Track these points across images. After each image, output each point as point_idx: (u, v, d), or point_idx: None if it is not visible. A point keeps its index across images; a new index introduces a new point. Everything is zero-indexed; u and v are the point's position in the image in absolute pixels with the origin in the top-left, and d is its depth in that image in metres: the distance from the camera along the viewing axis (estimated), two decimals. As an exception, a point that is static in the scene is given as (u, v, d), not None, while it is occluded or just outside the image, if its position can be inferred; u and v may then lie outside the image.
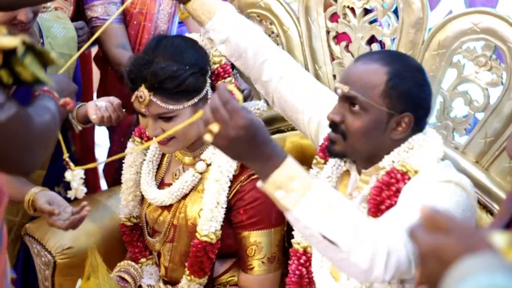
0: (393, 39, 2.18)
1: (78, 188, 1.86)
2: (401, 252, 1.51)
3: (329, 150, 1.80)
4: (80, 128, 2.44)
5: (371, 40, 2.26)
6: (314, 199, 1.43)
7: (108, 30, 2.76)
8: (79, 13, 2.91)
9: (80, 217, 2.17)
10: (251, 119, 1.36)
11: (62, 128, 2.60)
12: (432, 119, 2.12)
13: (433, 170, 1.69)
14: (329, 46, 2.34)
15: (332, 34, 2.32)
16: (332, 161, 1.90)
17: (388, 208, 1.68)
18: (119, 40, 2.79)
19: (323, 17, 2.32)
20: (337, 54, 2.32)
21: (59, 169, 2.67)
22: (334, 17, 2.32)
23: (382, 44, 2.24)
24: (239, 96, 1.39)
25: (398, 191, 1.68)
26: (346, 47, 2.30)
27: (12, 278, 1.60)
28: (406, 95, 1.70)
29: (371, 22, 2.23)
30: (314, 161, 2.00)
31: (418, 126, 1.74)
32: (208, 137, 1.38)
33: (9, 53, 1.24)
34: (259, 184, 1.44)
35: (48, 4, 2.67)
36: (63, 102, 1.61)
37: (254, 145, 1.38)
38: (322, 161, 1.96)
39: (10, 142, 1.27)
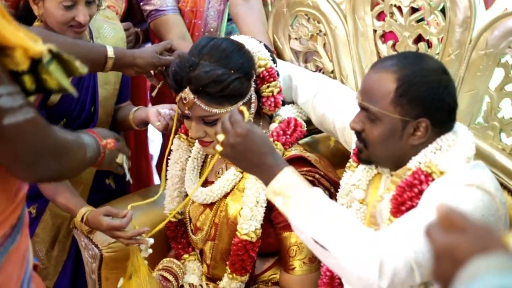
0: (440, 38, 2.14)
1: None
2: (398, 260, 1.52)
3: (358, 158, 1.83)
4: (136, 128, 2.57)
5: (418, 39, 2.22)
6: (307, 206, 1.57)
7: (166, 22, 2.82)
8: (130, 11, 2.97)
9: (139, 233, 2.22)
10: (249, 129, 1.58)
11: (112, 128, 2.68)
12: (478, 119, 2.08)
13: (457, 173, 1.65)
14: (376, 45, 2.31)
15: (379, 33, 2.30)
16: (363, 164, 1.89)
17: (408, 209, 1.66)
18: (180, 30, 2.83)
19: (370, 16, 2.30)
20: (384, 53, 2.29)
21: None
22: (381, 16, 2.29)
23: (429, 43, 2.20)
24: (246, 114, 1.66)
25: (420, 192, 1.66)
26: (393, 46, 2.27)
27: (35, 265, 1.63)
28: (418, 100, 1.66)
29: (418, 21, 2.20)
30: (348, 164, 2.00)
31: (441, 128, 1.70)
32: (218, 147, 1.61)
33: (37, 60, 1.26)
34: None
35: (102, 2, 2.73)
36: (105, 142, 1.75)
37: (255, 154, 1.59)
38: (355, 164, 1.95)
39: (23, 143, 1.30)
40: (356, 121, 1.76)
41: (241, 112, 1.66)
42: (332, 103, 2.19)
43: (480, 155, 1.91)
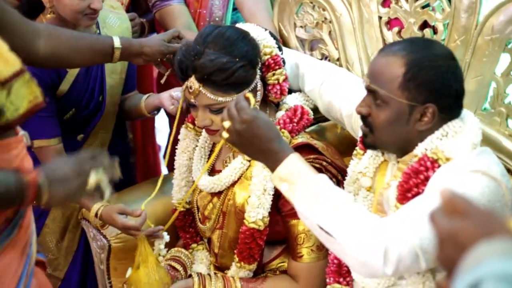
0: (446, 24, 2.13)
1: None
2: (403, 247, 1.52)
3: (363, 143, 1.82)
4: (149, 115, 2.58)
5: (424, 25, 2.21)
6: (312, 192, 1.59)
7: (172, 12, 2.82)
8: (135, 1, 2.97)
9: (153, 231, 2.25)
10: (255, 115, 1.59)
11: (118, 118, 2.69)
12: (485, 105, 2.07)
13: (463, 159, 1.65)
14: (381, 31, 2.31)
15: (384, 19, 2.29)
16: (369, 152, 1.90)
17: (414, 196, 1.66)
18: (185, 20, 2.82)
19: (375, 3, 2.29)
20: (389, 40, 2.28)
21: (117, 153, 2.74)
22: (386, 3, 2.29)
23: (434, 29, 2.19)
24: (252, 101, 1.67)
25: (427, 179, 1.66)
26: (399, 32, 2.26)
27: (41, 261, 1.63)
28: (426, 85, 1.65)
29: (423, 7, 2.19)
30: (354, 152, 2.00)
31: (447, 114, 1.69)
32: (224, 134, 1.63)
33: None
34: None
35: None
36: (32, 175, 1.53)
37: (261, 140, 1.60)
38: (362, 152, 1.95)
39: None
40: (362, 105, 1.76)
41: (247, 99, 1.67)
42: (339, 90, 2.18)
43: (486, 141, 1.90)
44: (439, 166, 1.66)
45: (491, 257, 0.83)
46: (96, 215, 2.32)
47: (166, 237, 2.28)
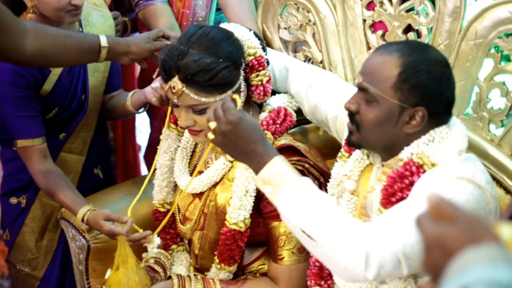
0: (430, 28, 2.14)
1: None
2: (385, 252, 1.52)
3: (348, 141, 1.81)
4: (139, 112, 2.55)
5: (408, 29, 2.22)
6: (296, 196, 1.58)
7: (154, 12, 2.80)
8: (118, 0, 2.95)
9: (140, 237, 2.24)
10: (241, 117, 1.59)
11: (100, 116, 2.67)
12: (468, 110, 2.08)
13: (448, 165, 1.64)
14: (365, 34, 2.31)
15: (369, 22, 2.29)
16: (355, 154, 1.89)
17: (398, 200, 1.66)
18: (168, 20, 2.80)
19: (359, 5, 2.29)
20: (373, 43, 2.29)
21: (98, 152, 2.74)
22: (370, 6, 2.29)
23: (418, 33, 2.19)
24: (239, 102, 1.66)
25: (411, 184, 1.65)
26: (383, 36, 2.26)
27: None
28: (419, 88, 1.65)
29: (407, 11, 2.19)
30: (339, 154, 1.99)
31: (436, 120, 1.69)
32: (210, 135, 1.63)
33: None
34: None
35: None
36: None
37: (245, 142, 1.60)
38: (347, 154, 1.94)
39: None
40: (352, 102, 1.74)
41: (234, 100, 1.66)
42: (326, 93, 2.18)
43: (469, 146, 1.90)
44: (424, 171, 1.65)
45: (478, 263, 0.83)
46: (82, 219, 2.30)
47: (157, 240, 2.26)
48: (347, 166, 1.90)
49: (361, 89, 1.72)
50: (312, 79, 2.24)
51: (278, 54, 2.35)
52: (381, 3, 2.24)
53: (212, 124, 1.63)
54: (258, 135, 1.62)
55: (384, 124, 1.69)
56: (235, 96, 1.69)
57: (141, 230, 2.24)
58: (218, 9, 2.89)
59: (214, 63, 1.97)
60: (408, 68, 1.65)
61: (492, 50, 2.00)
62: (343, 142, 1.98)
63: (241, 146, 1.61)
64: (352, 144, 1.80)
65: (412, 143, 1.70)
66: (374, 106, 1.69)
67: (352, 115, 1.75)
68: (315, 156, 2.16)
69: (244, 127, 1.60)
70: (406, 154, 1.70)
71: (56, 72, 2.45)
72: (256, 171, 1.62)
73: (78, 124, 2.58)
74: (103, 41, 2.16)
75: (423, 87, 1.65)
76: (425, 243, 0.94)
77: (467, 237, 0.88)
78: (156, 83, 2.29)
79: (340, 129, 2.07)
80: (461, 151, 1.68)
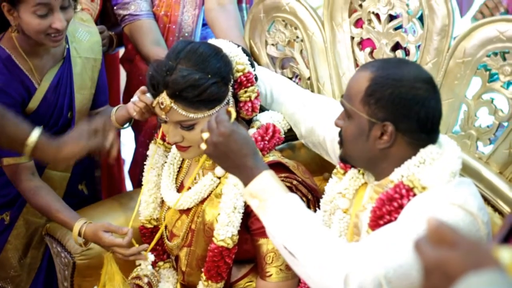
0: (418, 46, 2.15)
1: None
2: (366, 274, 1.51)
3: (339, 156, 1.82)
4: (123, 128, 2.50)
5: (396, 46, 2.23)
6: (281, 211, 1.59)
7: (140, 27, 2.80)
8: (104, 14, 2.93)
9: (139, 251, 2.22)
10: (233, 129, 1.61)
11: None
12: (456, 128, 2.08)
13: (440, 190, 1.62)
14: (353, 52, 2.31)
15: (357, 40, 2.30)
16: (350, 173, 1.89)
17: (386, 223, 1.65)
18: (154, 36, 2.81)
19: (348, 23, 2.30)
20: (361, 61, 2.29)
21: (83, 168, 2.71)
22: (359, 23, 2.29)
23: (406, 51, 2.20)
24: (233, 115, 1.67)
25: (400, 207, 1.64)
26: (371, 53, 2.27)
27: None
28: (384, 103, 1.64)
29: (396, 29, 2.20)
30: (335, 170, 1.99)
31: (412, 138, 1.67)
32: (202, 145, 1.65)
33: None
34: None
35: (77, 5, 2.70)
36: None
37: (236, 155, 1.62)
38: (342, 171, 1.94)
39: None
40: (339, 118, 1.78)
41: (229, 113, 1.68)
42: (321, 115, 2.19)
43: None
44: (414, 194, 1.64)
45: None
46: (79, 233, 2.27)
47: (151, 257, 2.24)
48: (342, 184, 1.90)
49: (342, 105, 1.75)
50: (305, 100, 2.25)
51: (265, 71, 2.35)
52: (370, 21, 2.24)
53: (205, 135, 1.65)
54: (250, 149, 1.63)
55: (358, 139, 1.71)
56: (230, 109, 1.70)
57: (136, 244, 2.22)
58: (204, 25, 2.89)
59: (203, 79, 1.97)
60: (375, 82, 1.66)
61: (481, 69, 2.01)
62: (337, 163, 1.98)
63: (232, 159, 1.63)
64: (341, 159, 1.82)
65: (403, 165, 1.68)
66: (350, 121, 1.72)
67: (340, 131, 1.78)
68: (303, 173, 2.16)
69: (236, 140, 1.62)
70: (396, 176, 1.69)
71: (42, 90, 2.43)
72: (245, 184, 1.64)
73: None
74: (32, 138, 2.05)
75: (387, 102, 1.64)
76: (424, 267, 0.93)
77: (469, 262, 0.88)
78: (135, 97, 2.27)
79: (337, 149, 2.07)
80: (453, 173, 1.65)
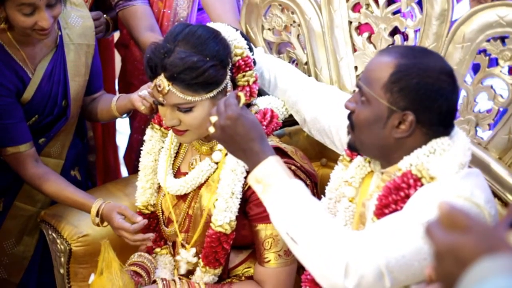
0: (417, 30, 2.13)
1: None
2: (367, 263, 1.51)
3: (348, 142, 1.79)
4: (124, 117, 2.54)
5: (394, 31, 2.21)
6: (284, 197, 1.60)
7: (135, 13, 2.78)
8: (98, 2, 2.91)
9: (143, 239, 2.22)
10: (240, 113, 1.62)
11: (81, 120, 2.63)
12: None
13: (447, 181, 1.61)
14: (351, 36, 2.30)
15: (355, 24, 2.28)
16: (356, 161, 1.86)
17: (391, 212, 1.63)
18: (148, 22, 2.79)
19: (345, 7, 2.28)
20: (359, 45, 2.28)
21: (76, 154, 2.70)
22: (356, 7, 2.27)
23: (405, 35, 2.19)
24: (242, 99, 1.68)
25: (407, 196, 1.62)
26: (368, 38, 2.26)
27: None
28: (408, 91, 1.62)
29: (394, 13, 2.18)
30: (340, 157, 1.96)
31: (429, 130, 1.65)
32: (211, 129, 1.66)
33: None
34: None
35: None
36: None
37: (243, 139, 1.62)
38: (348, 158, 1.92)
39: None
40: (350, 100, 1.74)
41: (238, 97, 1.69)
42: (327, 103, 2.17)
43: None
44: (421, 184, 1.62)
45: (496, 274, 0.82)
46: (97, 212, 2.28)
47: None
48: (348, 172, 1.88)
49: (359, 87, 1.72)
50: (310, 88, 2.24)
51: (269, 56, 2.34)
52: (368, 5, 2.23)
53: (213, 118, 1.66)
54: (257, 134, 1.64)
55: (373, 125, 1.67)
56: (240, 93, 1.71)
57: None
58: (200, 9, 2.87)
59: (201, 61, 1.96)
60: (400, 70, 1.63)
61: (480, 54, 2.00)
62: (344, 152, 1.96)
63: (238, 142, 1.64)
64: (350, 146, 1.78)
65: (413, 153, 1.66)
66: (366, 106, 1.68)
67: (350, 114, 1.74)
68: (301, 158, 2.15)
69: (243, 124, 1.62)
70: (405, 164, 1.67)
71: (36, 79, 2.41)
72: (251, 169, 1.64)
73: (59, 130, 2.54)
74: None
75: (412, 91, 1.62)
76: (436, 252, 0.93)
77: (482, 247, 0.87)
78: (144, 91, 2.26)
79: (344, 137, 2.05)
80: (462, 165, 1.64)
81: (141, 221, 2.20)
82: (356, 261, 1.51)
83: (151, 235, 2.21)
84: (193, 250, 2.18)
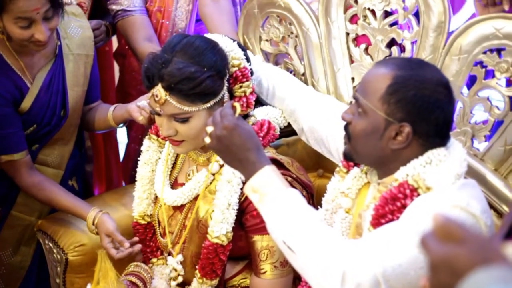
0: (414, 42, 2.14)
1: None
2: (364, 272, 1.51)
3: (343, 152, 1.79)
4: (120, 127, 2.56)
5: (391, 43, 2.22)
6: (282, 206, 1.60)
7: (133, 23, 2.79)
8: (96, 8, 2.91)
9: (129, 253, 2.24)
10: (237, 123, 1.63)
11: (81, 129, 2.63)
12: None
13: (443, 191, 1.61)
14: (348, 48, 2.30)
15: (352, 36, 2.29)
16: (353, 172, 1.87)
17: (387, 222, 1.63)
18: (146, 32, 2.80)
19: (343, 19, 2.29)
20: (356, 57, 2.29)
21: (75, 165, 2.70)
22: (354, 19, 2.28)
23: (402, 47, 2.20)
24: (238, 110, 1.69)
25: (403, 206, 1.62)
26: (366, 49, 2.26)
27: None
28: (405, 103, 1.62)
29: (391, 25, 2.19)
30: (337, 169, 1.97)
31: (426, 141, 1.65)
32: (206, 139, 1.66)
33: None
34: None
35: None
36: None
37: (239, 149, 1.63)
38: (345, 170, 1.93)
39: None
40: (347, 112, 1.74)
41: (234, 108, 1.70)
42: (326, 113, 2.18)
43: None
44: (418, 195, 1.63)
45: (489, 285, 0.82)
46: (93, 222, 2.30)
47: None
48: (344, 183, 1.88)
49: (355, 99, 1.72)
50: (308, 97, 2.25)
51: (269, 65, 2.35)
52: (365, 17, 2.24)
53: (209, 128, 1.66)
54: (253, 143, 1.64)
55: (370, 137, 1.68)
56: (236, 103, 1.71)
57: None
58: (198, 20, 2.88)
59: (199, 72, 1.96)
60: (397, 81, 1.63)
61: (477, 66, 2.01)
62: (340, 163, 1.97)
63: (234, 153, 1.64)
64: (346, 155, 1.79)
65: (409, 164, 1.67)
66: (363, 117, 1.68)
67: (346, 125, 1.74)
68: (297, 169, 2.15)
69: (239, 134, 1.63)
70: (401, 174, 1.67)
71: (34, 90, 2.42)
72: (247, 179, 1.64)
73: (52, 137, 2.55)
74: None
75: (409, 103, 1.62)
76: (431, 263, 0.93)
77: (477, 258, 0.87)
78: (143, 101, 2.27)
79: (341, 147, 2.05)
80: (458, 175, 1.64)
81: (127, 248, 2.22)
82: (353, 269, 1.51)
83: (138, 246, 2.25)
84: (179, 257, 2.18)
